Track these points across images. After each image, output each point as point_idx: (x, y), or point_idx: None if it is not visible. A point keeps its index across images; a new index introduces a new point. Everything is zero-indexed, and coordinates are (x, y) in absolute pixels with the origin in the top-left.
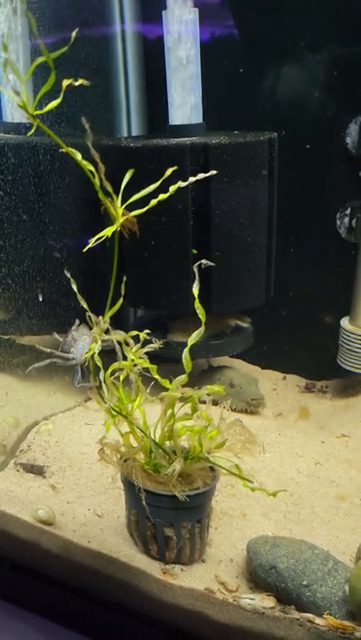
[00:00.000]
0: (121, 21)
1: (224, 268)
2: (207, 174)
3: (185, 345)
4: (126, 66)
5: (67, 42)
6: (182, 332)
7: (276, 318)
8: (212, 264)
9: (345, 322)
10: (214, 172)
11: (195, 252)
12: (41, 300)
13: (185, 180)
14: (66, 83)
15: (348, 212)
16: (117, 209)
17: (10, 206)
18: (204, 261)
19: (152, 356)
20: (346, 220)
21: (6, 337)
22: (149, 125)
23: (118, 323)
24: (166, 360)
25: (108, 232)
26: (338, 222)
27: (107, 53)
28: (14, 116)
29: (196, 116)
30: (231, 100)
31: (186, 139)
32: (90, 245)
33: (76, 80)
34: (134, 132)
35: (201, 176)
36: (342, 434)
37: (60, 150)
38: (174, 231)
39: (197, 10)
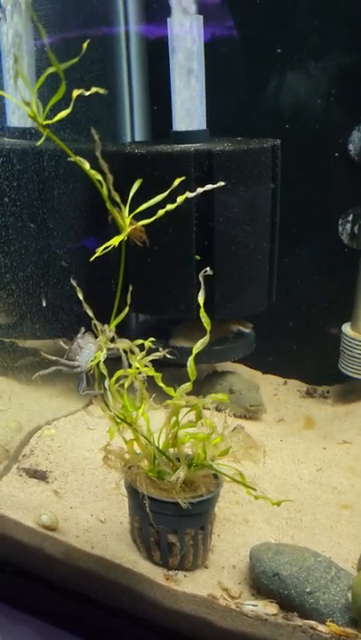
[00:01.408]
0: (125, 26)
1: (227, 274)
2: (215, 185)
3: (187, 350)
4: (130, 71)
5: (68, 42)
6: (185, 337)
7: (278, 324)
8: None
9: (346, 328)
10: (222, 182)
11: (198, 258)
12: (44, 305)
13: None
14: (76, 93)
15: (350, 218)
16: (125, 218)
17: (14, 212)
18: (207, 270)
19: (155, 361)
20: (348, 226)
21: (8, 340)
22: (153, 131)
23: (121, 327)
24: (168, 365)
25: (115, 242)
26: (340, 228)
27: (111, 58)
28: (19, 121)
29: (199, 123)
30: (234, 107)
31: (190, 145)
32: (97, 255)
33: (87, 90)
34: (137, 138)
35: (209, 187)
36: (344, 440)
37: (68, 159)
38: (178, 237)
39: (201, 17)
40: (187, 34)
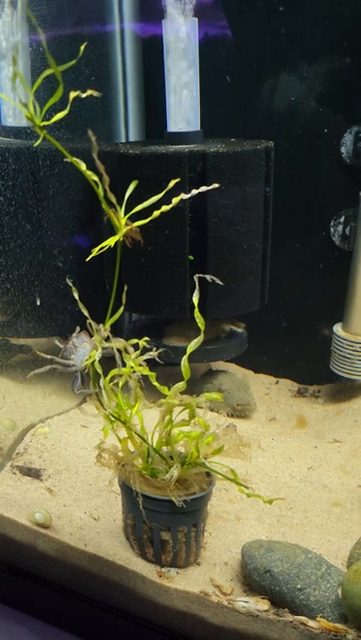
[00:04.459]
0: (120, 25)
1: (220, 273)
2: (209, 187)
3: (180, 349)
4: (125, 71)
5: (62, 41)
6: (178, 336)
7: (270, 324)
8: (220, 283)
9: (338, 328)
10: (217, 184)
11: (191, 258)
12: (39, 303)
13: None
14: (73, 95)
15: (342, 220)
16: (120, 219)
17: (9, 211)
18: (209, 277)
19: (148, 360)
20: (340, 227)
21: (1, 338)
22: (147, 131)
23: (113, 327)
24: (161, 364)
25: (110, 242)
26: (332, 230)
27: (105, 58)
28: (14, 120)
29: (194, 124)
30: (228, 108)
31: (184, 146)
32: (93, 255)
33: (83, 90)
34: (132, 138)
35: (203, 189)
36: (335, 439)
37: (65, 159)
38: (171, 237)
39: (196, 19)
40: (181, 35)
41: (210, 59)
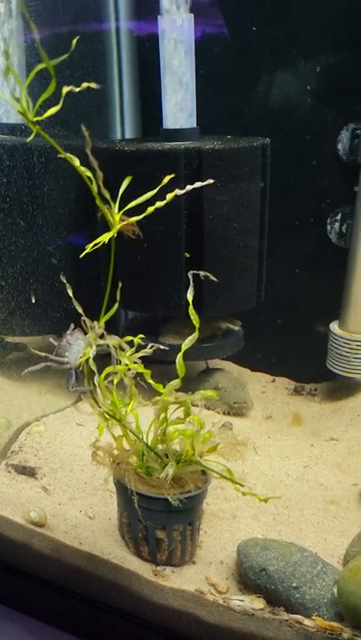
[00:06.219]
0: (116, 22)
1: (216, 271)
2: (204, 183)
3: (177, 347)
4: (120, 68)
5: (58, 38)
6: (174, 334)
7: (267, 321)
8: (214, 279)
9: (334, 326)
10: (211, 180)
11: (187, 255)
12: (33, 301)
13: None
14: (66, 90)
15: (338, 217)
16: (115, 215)
17: (4, 208)
18: (202, 273)
19: (143, 358)
20: (336, 225)
21: None
22: (143, 128)
23: (109, 324)
24: (157, 361)
25: (105, 238)
26: (329, 227)
27: (101, 55)
28: (9, 116)
29: (190, 121)
30: (224, 105)
31: (180, 143)
32: (87, 251)
33: (77, 86)
34: (128, 135)
35: (198, 184)
36: (331, 437)
37: (59, 155)
38: (167, 234)
39: (193, 15)
40: (177, 31)
41: (206, 55)
